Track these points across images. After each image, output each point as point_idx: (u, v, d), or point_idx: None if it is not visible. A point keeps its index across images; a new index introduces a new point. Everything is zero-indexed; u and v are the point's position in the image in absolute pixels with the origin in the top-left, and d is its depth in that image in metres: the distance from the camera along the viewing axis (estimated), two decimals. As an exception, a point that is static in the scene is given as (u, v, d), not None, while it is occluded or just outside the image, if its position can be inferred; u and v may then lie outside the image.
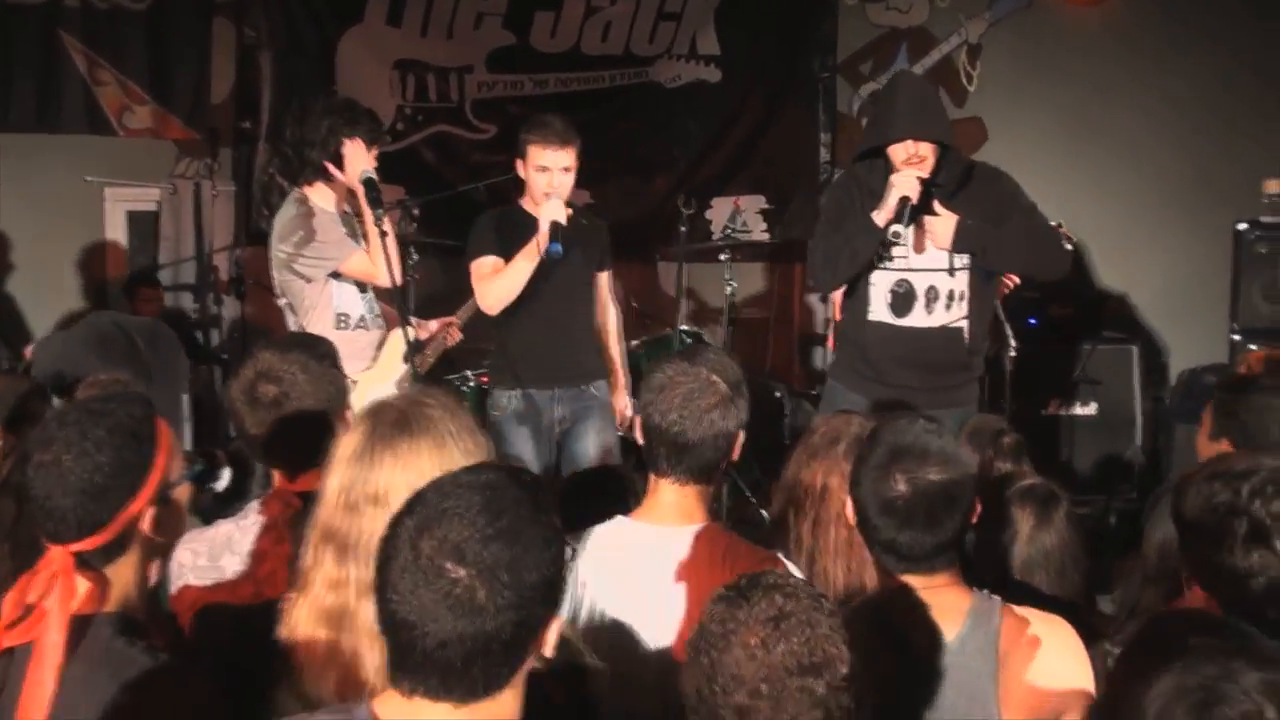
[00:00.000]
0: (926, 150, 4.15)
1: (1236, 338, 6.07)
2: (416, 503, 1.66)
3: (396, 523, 1.65)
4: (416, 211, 6.45)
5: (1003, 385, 5.10)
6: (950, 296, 4.27)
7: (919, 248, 4.25)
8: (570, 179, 4.54)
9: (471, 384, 5.93)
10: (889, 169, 4.22)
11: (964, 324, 4.30)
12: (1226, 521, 2.02)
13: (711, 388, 2.53)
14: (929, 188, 4.17)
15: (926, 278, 4.26)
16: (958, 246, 4.20)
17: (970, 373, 4.42)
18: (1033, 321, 5.88)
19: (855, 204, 4.28)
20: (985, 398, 5.94)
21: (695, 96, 7.58)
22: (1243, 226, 6.13)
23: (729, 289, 6.38)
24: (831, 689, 1.77)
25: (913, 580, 2.33)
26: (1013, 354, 4.89)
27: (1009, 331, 5.02)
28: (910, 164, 4.13)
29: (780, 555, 2.64)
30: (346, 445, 2.17)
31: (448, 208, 6.83)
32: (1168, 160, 7.38)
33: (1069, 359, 6.43)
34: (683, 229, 4.86)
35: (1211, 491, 2.06)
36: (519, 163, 4.60)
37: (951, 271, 4.25)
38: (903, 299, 4.27)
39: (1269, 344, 5.68)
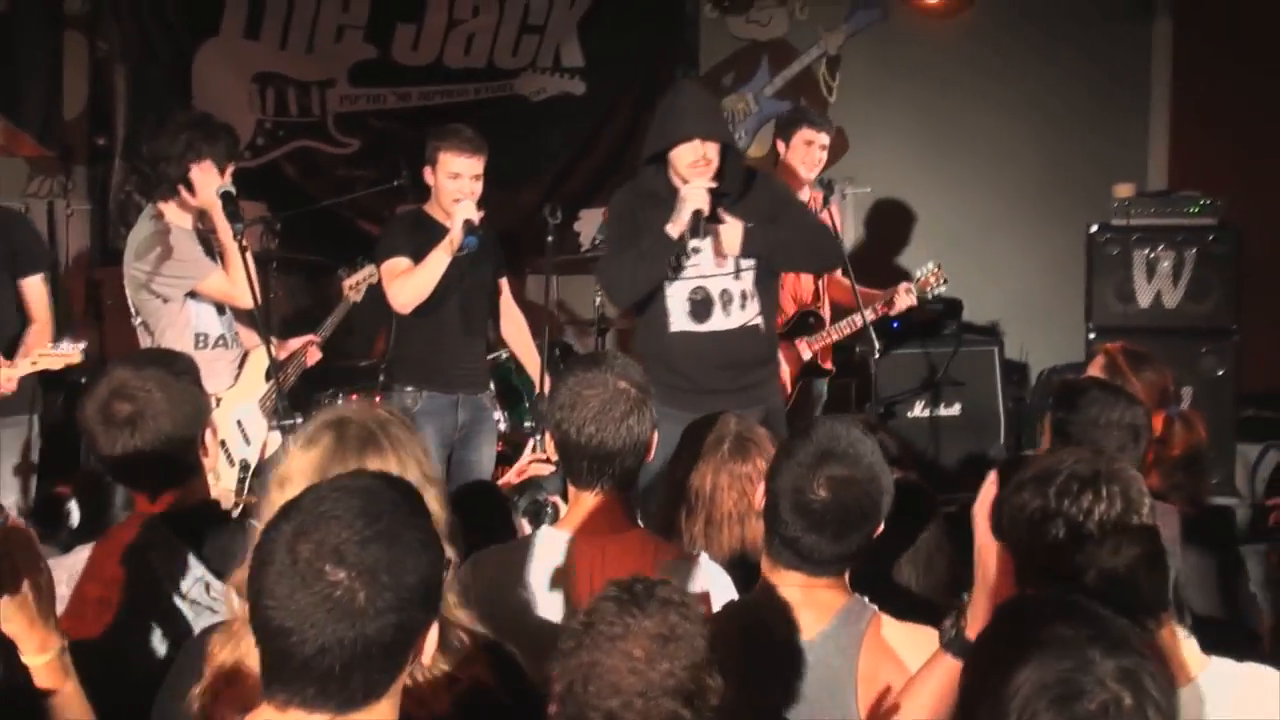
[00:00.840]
0: (713, 153, 4.21)
1: (1092, 336, 6.25)
2: (291, 509, 1.63)
3: (271, 529, 1.62)
4: (278, 227, 6.35)
5: (869, 387, 5.20)
6: (743, 296, 4.38)
7: (716, 255, 4.33)
8: (480, 186, 4.72)
9: (340, 401, 5.85)
10: (668, 175, 4.28)
11: (759, 320, 4.43)
12: (1041, 529, 2.00)
13: (623, 395, 2.54)
14: (716, 197, 4.25)
15: (719, 282, 4.37)
16: (746, 251, 4.31)
17: (771, 366, 4.55)
18: (895, 325, 6.00)
19: (640, 216, 4.35)
20: (852, 400, 6.08)
21: (560, 109, 7.59)
22: (1094, 229, 6.31)
23: (598, 300, 6.42)
24: (699, 718, 1.79)
25: (797, 576, 2.34)
26: (877, 356, 4.98)
27: (873, 334, 5.12)
28: (697, 166, 4.19)
29: (703, 555, 2.66)
30: (303, 459, 2.11)
31: (310, 224, 6.75)
32: (1027, 164, 7.57)
33: (933, 361, 6.57)
34: (550, 240, 4.86)
35: (1022, 502, 2.03)
36: (428, 170, 4.76)
37: (737, 274, 4.37)
38: (701, 305, 4.37)
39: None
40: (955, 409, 6.58)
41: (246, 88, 7.23)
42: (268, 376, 4.39)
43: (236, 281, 4.29)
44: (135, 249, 4.42)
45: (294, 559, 1.57)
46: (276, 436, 4.37)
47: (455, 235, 4.54)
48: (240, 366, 4.63)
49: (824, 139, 5.54)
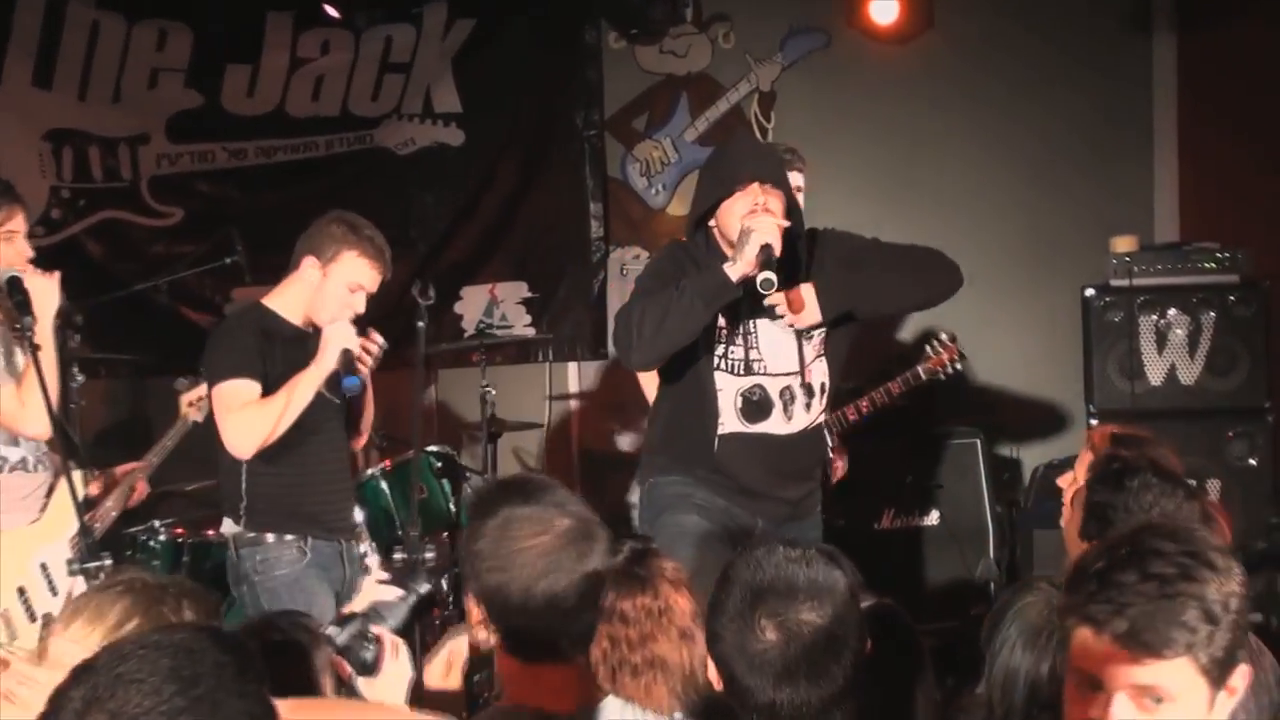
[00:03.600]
0: (776, 205, 4.24)
1: (1095, 423, 6.27)
2: (85, 671, 1.59)
3: (59, 696, 1.58)
4: (79, 320, 6.24)
5: (826, 497, 5.19)
6: (808, 393, 4.45)
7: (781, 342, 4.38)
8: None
9: (162, 537, 5.75)
10: (719, 248, 4.30)
11: (822, 420, 4.53)
12: None
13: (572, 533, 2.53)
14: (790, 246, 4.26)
15: (779, 381, 4.41)
16: (828, 310, 4.28)
17: (820, 476, 4.69)
18: (854, 418, 6.01)
19: (690, 272, 4.33)
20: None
21: (434, 164, 7.62)
22: (1090, 292, 6.38)
23: (489, 396, 6.38)
24: None
25: None
26: (831, 456, 5.00)
27: (827, 433, 5.14)
28: (755, 216, 4.18)
29: None
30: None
31: (121, 314, 6.67)
32: (1006, 218, 7.61)
33: (903, 460, 6.60)
34: (422, 326, 4.80)
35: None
36: (314, 261, 4.56)
37: (802, 371, 4.40)
38: (756, 406, 4.41)
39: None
40: (933, 518, 6.59)
41: (37, 148, 7.20)
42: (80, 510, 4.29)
43: (28, 401, 4.20)
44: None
45: None
46: (80, 584, 4.26)
47: (326, 363, 4.39)
48: (49, 496, 4.53)
49: (798, 179, 5.57)
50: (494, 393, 6.47)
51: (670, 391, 4.57)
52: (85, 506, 4.26)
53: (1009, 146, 7.65)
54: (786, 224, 4.20)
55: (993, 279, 7.60)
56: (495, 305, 7.72)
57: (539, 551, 2.49)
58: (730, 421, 4.42)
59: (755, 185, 4.23)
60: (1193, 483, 3.56)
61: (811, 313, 4.29)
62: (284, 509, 4.64)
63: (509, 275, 7.75)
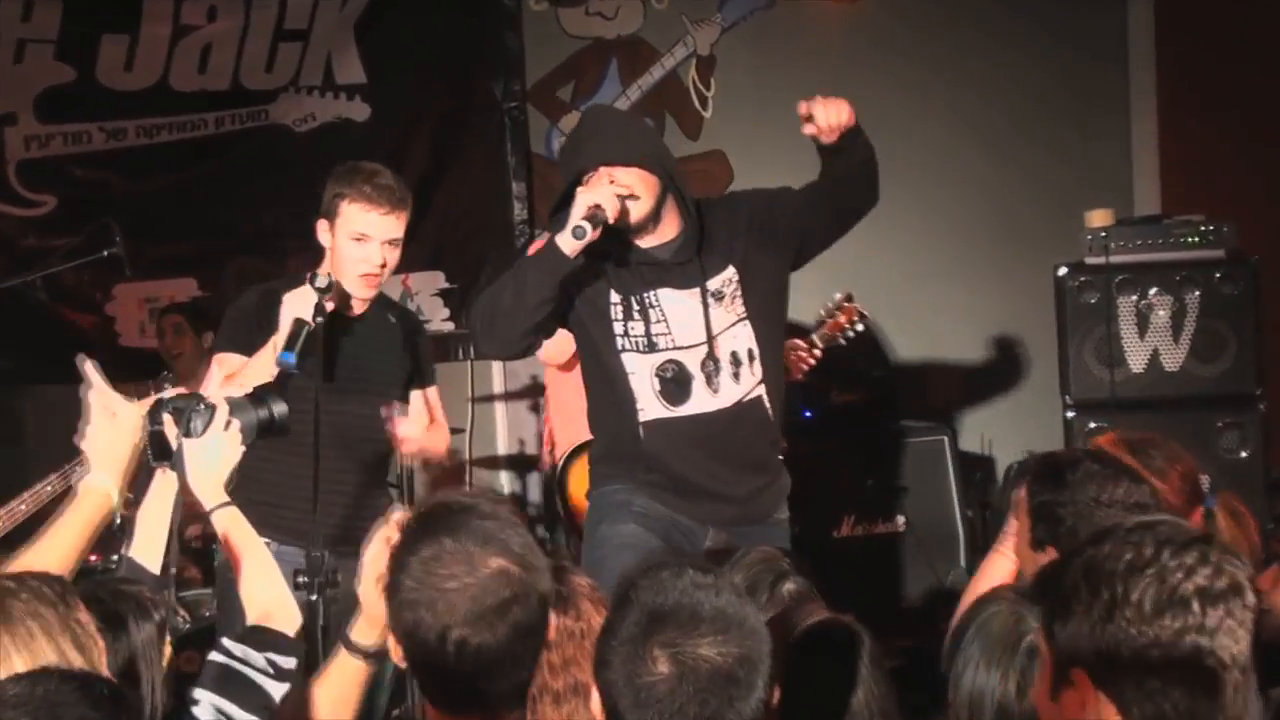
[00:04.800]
0: (628, 179, 4.20)
1: (1071, 415, 6.26)
2: None
3: None
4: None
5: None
6: (734, 361, 4.37)
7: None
8: (396, 257, 4.59)
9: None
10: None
11: (762, 391, 4.41)
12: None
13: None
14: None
15: (696, 353, 4.36)
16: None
17: (779, 459, 4.57)
18: (808, 414, 5.96)
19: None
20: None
21: (337, 142, 7.48)
22: (1063, 271, 6.33)
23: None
24: None
25: None
26: (781, 458, 4.92)
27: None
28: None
29: None
30: None
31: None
32: (972, 193, 7.69)
33: (863, 460, 6.58)
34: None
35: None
36: (324, 224, 4.63)
37: (709, 341, 4.33)
38: (675, 384, 4.35)
39: (1112, 420, 5.85)
40: (898, 523, 6.56)
41: (-111, 131, 7.13)
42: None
43: None
44: None
45: None
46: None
47: (279, 337, 4.28)
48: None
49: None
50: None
51: (591, 388, 4.55)
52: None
53: (970, 116, 7.69)
54: (625, 191, 4.17)
55: (955, 260, 7.63)
56: (409, 298, 7.63)
57: (463, 595, 2.38)
58: (651, 407, 4.36)
59: (602, 169, 4.21)
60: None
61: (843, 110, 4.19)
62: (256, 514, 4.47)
63: (423, 264, 7.66)
